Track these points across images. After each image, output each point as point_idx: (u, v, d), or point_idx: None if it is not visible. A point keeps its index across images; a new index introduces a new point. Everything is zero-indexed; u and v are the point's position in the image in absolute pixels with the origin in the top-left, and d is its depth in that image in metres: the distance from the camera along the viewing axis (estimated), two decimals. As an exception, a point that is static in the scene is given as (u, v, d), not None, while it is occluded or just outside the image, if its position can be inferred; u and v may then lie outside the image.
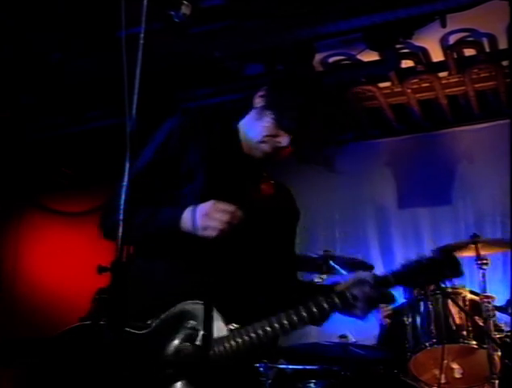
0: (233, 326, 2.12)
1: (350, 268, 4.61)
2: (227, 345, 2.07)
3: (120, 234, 1.82)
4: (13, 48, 4.94)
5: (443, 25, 4.75)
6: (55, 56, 5.29)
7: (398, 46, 5.14)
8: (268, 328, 2.09)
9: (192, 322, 2.08)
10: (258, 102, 2.44)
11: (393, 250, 6.46)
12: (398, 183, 6.56)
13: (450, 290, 4.25)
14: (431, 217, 6.33)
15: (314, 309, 2.09)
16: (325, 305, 2.09)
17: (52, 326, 2.39)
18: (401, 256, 6.35)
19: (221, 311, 2.11)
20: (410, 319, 4.24)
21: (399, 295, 5.19)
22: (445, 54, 5.45)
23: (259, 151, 2.41)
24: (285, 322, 2.09)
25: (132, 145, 1.91)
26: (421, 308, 4.23)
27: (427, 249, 5.50)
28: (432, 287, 4.64)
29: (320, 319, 2.18)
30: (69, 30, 4.91)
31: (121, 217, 1.83)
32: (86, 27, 4.87)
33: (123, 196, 1.84)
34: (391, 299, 2.25)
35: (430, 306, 4.17)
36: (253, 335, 2.09)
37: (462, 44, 5.30)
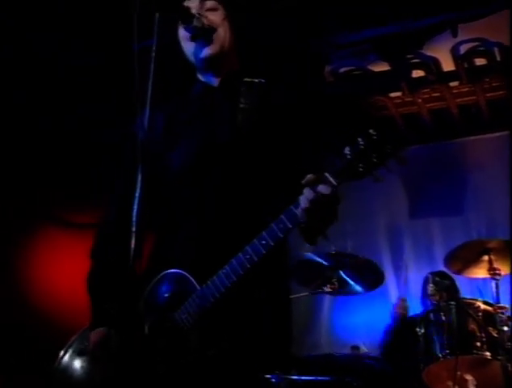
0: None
1: (362, 281, 4.59)
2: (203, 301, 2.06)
3: (133, 246, 1.83)
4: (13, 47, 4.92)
5: (454, 35, 4.75)
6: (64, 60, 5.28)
7: (409, 56, 5.15)
8: (231, 272, 2.02)
9: None
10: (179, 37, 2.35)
11: (406, 260, 6.43)
12: (410, 194, 6.54)
13: (463, 301, 4.23)
14: (443, 228, 6.30)
15: (270, 241, 1.97)
16: (279, 233, 1.96)
17: (65, 335, 2.40)
18: (414, 267, 6.33)
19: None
20: (423, 330, 4.20)
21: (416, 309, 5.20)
22: (456, 64, 5.45)
23: (205, 57, 2.27)
24: (246, 257, 2.00)
25: (144, 155, 1.92)
26: (434, 319, 4.20)
27: (439, 259, 5.54)
28: (444, 296, 4.64)
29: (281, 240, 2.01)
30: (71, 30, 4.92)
31: (134, 228, 1.84)
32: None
33: (135, 208, 1.86)
34: (337, 201, 1.95)
35: (443, 317, 4.14)
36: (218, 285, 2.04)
37: (473, 53, 5.29)
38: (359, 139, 1.85)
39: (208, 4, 2.30)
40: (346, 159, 1.86)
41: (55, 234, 6.89)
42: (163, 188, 2.27)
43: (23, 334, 6.02)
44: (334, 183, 1.88)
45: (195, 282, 2.08)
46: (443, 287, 4.69)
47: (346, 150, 1.86)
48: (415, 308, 5.36)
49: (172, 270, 2.14)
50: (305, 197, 1.91)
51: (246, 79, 2.34)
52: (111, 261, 2.31)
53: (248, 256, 2.00)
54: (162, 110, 2.32)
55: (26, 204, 6.53)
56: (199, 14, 2.24)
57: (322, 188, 1.89)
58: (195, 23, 2.20)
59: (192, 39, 2.25)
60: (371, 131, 1.84)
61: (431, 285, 4.73)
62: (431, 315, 4.24)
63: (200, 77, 2.40)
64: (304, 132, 2.27)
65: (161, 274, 2.16)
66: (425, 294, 4.92)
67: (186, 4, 2.27)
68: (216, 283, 2.04)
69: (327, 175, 1.89)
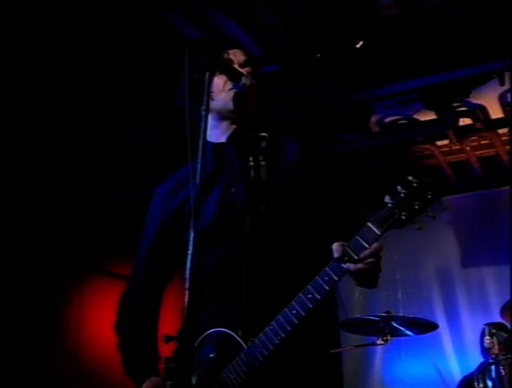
0: (251, 340, 2.03)
1: (414, 328, 4.49)
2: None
3: (186, 303, 1.84)
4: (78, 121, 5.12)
5: (502, 83, 4.72)
6: (116, 125, 5.49)
7: (455, 104, 5.12)
8: (279, 330, 1.98)
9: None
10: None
11: (458, 310, 6.30)
12: (461, 242, 6.43)
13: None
14: (497, 276, 6.16)
15: (316, 294, 1.93)
16: (325, 286, 1.92)
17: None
18: (467, 317, 6.19)
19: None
20: (482, 385, 4.08)
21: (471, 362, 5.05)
22: (504, 111, 5.40)
23: (229, 110, 2.29)
24: (293, 312, 1.96)
25: (197, 211, 1.94)
26: (493, 373, 4.07)
27: (494, 308, 5.39)
28: (502, 348, 4.49)
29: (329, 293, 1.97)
30: (129, 100, 5.10)
31: (187, 286, 1.85)
32: (145, 97, 5.05)
33: (188, 265, 1.86)
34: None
35: (502, 371, 4.01)
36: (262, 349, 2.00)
37: (521, 100, 5.25)
38: (399, 187, 1.85)
39: (250, 68, 2.35)
40: (387, 208, 1.86)
41: (101, 284, 6.99)
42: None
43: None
44: (378, 232, 1.87)
45: (240, 341, 2.05)
46: (501, 339, 4.54)
47: (387, 199, 1.86)
48: (469, 359, 5.23)
49: (216, 329, 2.11)
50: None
51: (251, 135, 2.36)
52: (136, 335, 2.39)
53: (295, 311, 1.97)
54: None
55: (75, 258, 6.67)
56: (246, 71, 2.29)
57: (367, 241, 1.88)
58: (244, 80, 2.22)
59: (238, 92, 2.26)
60: (410, 178, 1.84)
61: (487, 337, 4.58)
62: (489, 369, 4.11)
63: (211, 136, 2.34)
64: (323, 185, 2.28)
65: (205, 334, 2.13)
66: (482, 347, 4.76)
67: (229, 56, 2.34)
68: (264, 340, 2.00)
69: (370, 224, 1.88)
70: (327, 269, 1.94)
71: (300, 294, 1.97)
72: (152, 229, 2.44)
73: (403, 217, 1.84)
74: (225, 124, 2.36)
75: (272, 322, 2.00)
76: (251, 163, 2.28)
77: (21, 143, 5.44)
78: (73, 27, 4.31)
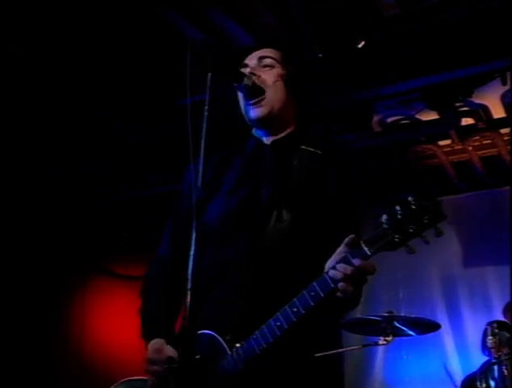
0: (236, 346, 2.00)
1: (416, 328, 4.47)
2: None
3: (188, 302, 1.83)
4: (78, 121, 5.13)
5: (504, 83, 4.71)
6: (117, 125, 5.48)
7: (457, 104, 5.12)
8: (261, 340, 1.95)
9: None
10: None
11: (461, 310, 6.29)
12: (463, 242, 6.41)
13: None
14: (499, 276, 6.14)
15: (301, 309, 1.89)
16: (310, 301, 1.88)
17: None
18: (469, 316, 6.17)
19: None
20: (484, 384, 4.06)
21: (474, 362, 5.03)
22: (506, 111, 5.39)
23: (254, 118, 2.26)
24: (277, 323, 1.92)
25: (199, 213, 1.93)
26: (495, 372, 4.06)
27: (496, 308, 5.37)
28: (505, 348, 4.47)
29: (317, 310, 1.92)
30: (129, 100, 5.10)
31: (189, 286, 1.84)
32: (145, 97, 5.05)
33: (190, 265, 1.85)
34: (372, 271, 1.87)
35: (505, 371, 4.00)
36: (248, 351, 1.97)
37: (523, 100, 5.23)
38: (397, 207, 1.79)
39: (266, 61, 2.30)
40: (382, 228, 1.81)
41: (102, 284, 7.00)
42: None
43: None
44: (369, 253, 1.84)
45: (225, 346, 2.01)
46: (503, 339, 4.53)
47: (383, 218, 1.81)
48: (471, 359, 5.21)
49: (204, 331, 2.06)
50: (340, 266, 1.86)
51: (303, 147, 2.31)
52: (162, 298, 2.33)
53: (278, 323, 1.93)
54: (209, 164, 2.22)
55: (78, 258, 6.67)
56: (253, 72, 2.25)
57: (356, 261, 1.84)
58: (246, 81, 2.19)
59: (245, 98, 2.25)
60: (410, 199, 1.79)
61: (490, 337, 4.56)
62: (492, 369, 4.10)
63: (254, 133, 2.39)
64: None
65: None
66: (484, 346, 4.75)
67: (246, 61, 2.30)
68: (246, 350, 1.97)
69: (362, 243, 1.85)
70: (314, 284, 1.90)
71: (286, 307, 1.93)
72: (179, 204, 2.40)
73: (396, 240, 1.79)
74: (260, 131, 2.34)
75: (256, 332, 1.97)
76: (288, 172, 2.24)
77: (21, 143, 5.45)
78: (73, 27, 4.31)
